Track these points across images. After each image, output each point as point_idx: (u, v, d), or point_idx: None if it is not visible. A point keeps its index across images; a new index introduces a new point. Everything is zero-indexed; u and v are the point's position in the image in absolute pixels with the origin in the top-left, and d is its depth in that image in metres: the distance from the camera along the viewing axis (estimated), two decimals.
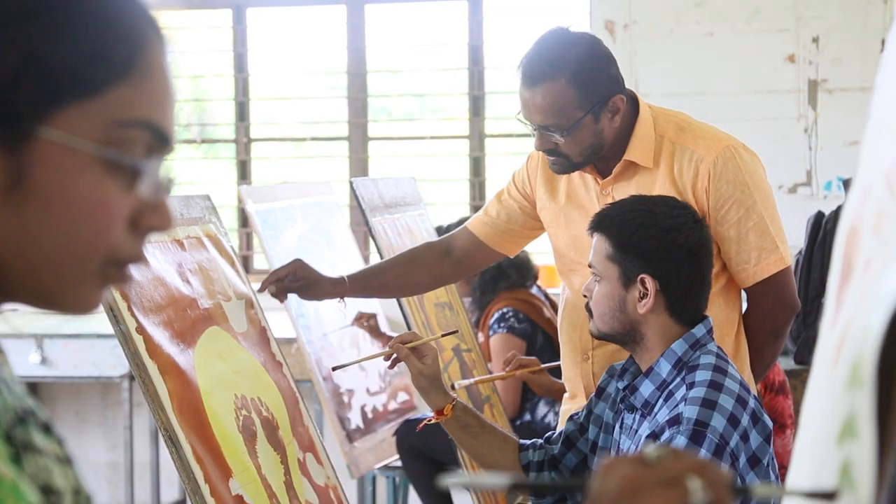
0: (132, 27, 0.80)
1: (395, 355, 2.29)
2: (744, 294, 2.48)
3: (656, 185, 2.39)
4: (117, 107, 0.78)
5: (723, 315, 2.41)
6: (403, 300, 3.14)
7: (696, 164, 2.37)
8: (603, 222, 2.14)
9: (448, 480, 0.83)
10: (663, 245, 2.08)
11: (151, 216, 0.81)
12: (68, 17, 0.77)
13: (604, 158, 2.43)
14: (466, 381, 2.93)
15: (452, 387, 2.36)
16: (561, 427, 2.60)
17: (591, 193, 2.47)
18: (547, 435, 2.32)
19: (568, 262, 2.53)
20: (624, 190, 2.41)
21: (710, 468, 0.78)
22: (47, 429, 0.82)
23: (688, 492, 0.76)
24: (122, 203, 0.79)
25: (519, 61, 2.40)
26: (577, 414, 2.29)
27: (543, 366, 3.13)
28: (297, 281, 2.66)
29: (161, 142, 0.81)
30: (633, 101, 2.46)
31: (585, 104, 2.34)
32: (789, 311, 2.44)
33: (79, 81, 0.77)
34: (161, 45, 0.82)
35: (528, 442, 2.30)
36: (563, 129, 2.34)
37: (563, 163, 2.41)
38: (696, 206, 2.35)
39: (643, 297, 2.08)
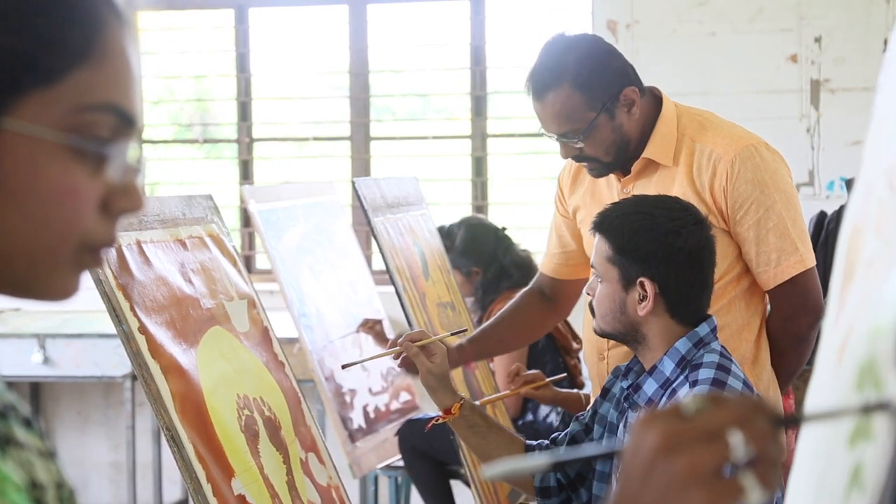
0: (87, 10, 0.79)
1: (403, 354, 2.29)
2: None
3: (675, 183, 2.38)
4: (78, 92, 0.77)
5: (742, 319, 2.40)
6: (405, 300, 3.14)
7: (714, 162, 2.35)
8: (603, 224, 2.14)
9: (489, 471, 0.79)
10: (662, 249, 2.08)
11: (122, 199, 0.80)
12: (21, 5, 0.76)
13: (629, 157, 2.44)
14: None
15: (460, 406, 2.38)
16: None
17: (612, 192, 2.47)
18: (553, 436, 2.32)
19: None
20: (644, 188, 2.40)
21: (752, 419, 0.73)
22: (28, 423, 0.82)
23: (728, 446, 0.71)
24: (91, 188, 0.78)
25: (525, 77, 2.41)
26: (582, 414, 2.30)
27: (548, 379, 3.14)
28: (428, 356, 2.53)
29: (127, 123, 0.80)
30: (657, 98, 2.45)
31: (595, 104, 2.34)
32: (812, 316, 2.39)
33: (37, 69, 0.76)
34: (120, 25, 0.81)
35: (533, 442, 2.31)
36: (580, 133, 2.35)
37: (596, 166, 2.43)
38: (713, 205, 2.33)
39: (643, 299, 2.09)
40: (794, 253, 2.35)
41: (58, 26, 0.77)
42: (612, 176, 2.48)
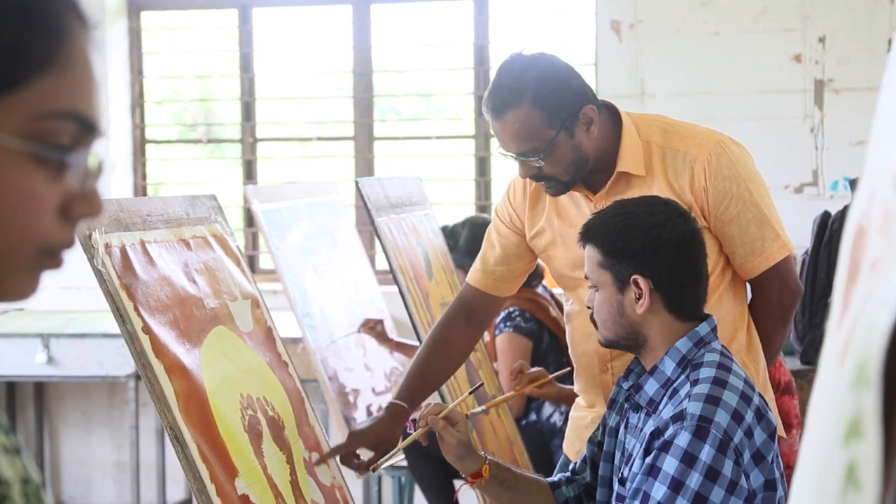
0: (52, 17, 0.79)
1: (429, 431, 2.27)
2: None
3: (652, 191, 2.37)
4: (40, 100, 0.78)
5: (735, 310, 2.43)
6: (409, 299, 3.14)
7: (690, 165, 2.37)
8: (589, 232, 2.15)
9: None
10: (648, 243, 2.09)
11: (81, 204, 0.81)
12: None
13: (593, 172, 2.41)
14: (478, 409, 2.91)
15: (466, 416, 2.35)
16: (571, 439, 2.62)
17: (583, 210, 2.45)
18: (571, 467, 2.34)
19: (570, 280, 2.52)
20: None
21: None
22: None
23: None
24: (51, 194, 0.79)
25: (484, 97, 2.39)
26: (594, 434, 2.30)
27: (552, 376, 3.14)
28: (374, 446, 2.48)
29: (88, 130, 0.81)
30: (614, 113, 2.44)
31: (555, 122, 2.33)
32: (794, 296, 2.48)
33: (0, 77, 0.76)
34: (84, 31, 0.81)
35: (555, 479, 2.32)
36: (540, 152, 2.34)
37: (554, 184, 2.41)
38: (695, 206, 2.35)
39: (639, 297, 2.09)
40: (776, 239, 2.41)
41: (21, 34, 0.77)
42: (578, 196, 2.47)
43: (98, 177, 0.82)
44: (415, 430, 2.35)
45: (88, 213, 0.81)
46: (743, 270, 2.44)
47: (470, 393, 2.47)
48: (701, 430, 1.96)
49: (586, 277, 2.17)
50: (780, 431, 2.43)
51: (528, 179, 2.50)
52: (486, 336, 3.98)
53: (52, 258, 0.81)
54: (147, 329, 2.00)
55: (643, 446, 2.04)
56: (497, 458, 2.34)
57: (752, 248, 2.40)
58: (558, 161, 2.36)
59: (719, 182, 2.36)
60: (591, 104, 2.36)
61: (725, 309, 2.41)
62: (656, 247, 2.09)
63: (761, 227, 2.40)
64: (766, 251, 2.41)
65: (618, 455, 2.19)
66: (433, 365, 2.61)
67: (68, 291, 5.28)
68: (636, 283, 2.09)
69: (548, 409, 3.93)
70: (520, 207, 2.58)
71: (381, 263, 5.01)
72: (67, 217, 0.81)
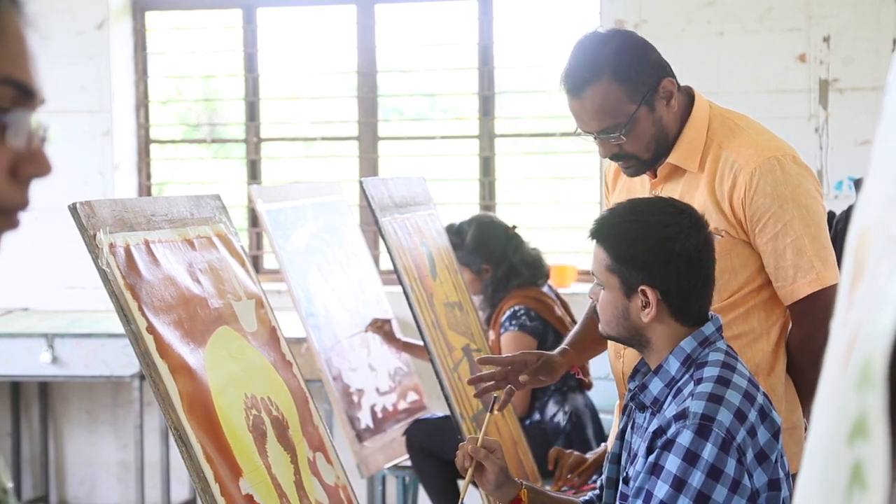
0: None
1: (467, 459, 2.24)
2: None
3: (699, 189, 2.33)
4: None
5: (760, 328, 2.34)
6: (413, 299, 3.14)
7: (734, 173, 2.30)
8: (600, 232, 2.12)
9: None
10: (660, 256, 2.05)
11: (29, 164, 0.85)
12: None
13: None
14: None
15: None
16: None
17: (645, 192, 2.41)
18: (599, 484, 2.33)
19: None
20: (672, 192, 2.34)
21: None
22: None
23: None
24: None
25: (560, 77, 2.34)
26: (612, 453, 2.29)
27: (591, 459, 3.17)
28: (536, 364, 2.53)
29: (26, 94, 0.85)
30: (690, 99, 2.38)
31: (635, 96, 2.28)
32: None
33: None
34: (13, 8, 0.85)
35: (587, 498, 2.31)
36: (622, 128, 2.28)
37: (634, 164, 2.36)
38: (732, 217, 2.29)
39: (645, 306, 2.08)
40: (809, 271, 2.29)
41: None
42: (645, 176, 2.42)
43: (44, 140, 0.86)
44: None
45: (37, 172, 0.86)
46: (779, 295, 2.34)
47: (491, 413, 2.44)
48: (703, 429, 1.95)
49: (592, 274, 2.16)
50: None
51: None
52: (492, 335, 3.98)
53: (6, 219, 0.86)
54: (151, 329, 2.00)
55: (646, 445, 2.04)
56: (509, 460, 2.33)
57: (784, 274, 2.30)
58: (639, 137, 2.31)
59: (759, 199, 2.27)
60: (669, 77, 2.32)
61: (750, 325, 2.34)
62: (667, 260, 2.06)
63: (797, 254, 2.28)
64: (797, 281, 2.29)
65: (624, 455, 2.19)
66: (592, 326, 2.57)
67: (73, 291, 5.28)
68: (644, 293, 2.07)
69: (552, 408, 3.93)
70: (609, 173, 2.60)
71: (386, 263, 5.02)
72: (17, 178, 0.85)
